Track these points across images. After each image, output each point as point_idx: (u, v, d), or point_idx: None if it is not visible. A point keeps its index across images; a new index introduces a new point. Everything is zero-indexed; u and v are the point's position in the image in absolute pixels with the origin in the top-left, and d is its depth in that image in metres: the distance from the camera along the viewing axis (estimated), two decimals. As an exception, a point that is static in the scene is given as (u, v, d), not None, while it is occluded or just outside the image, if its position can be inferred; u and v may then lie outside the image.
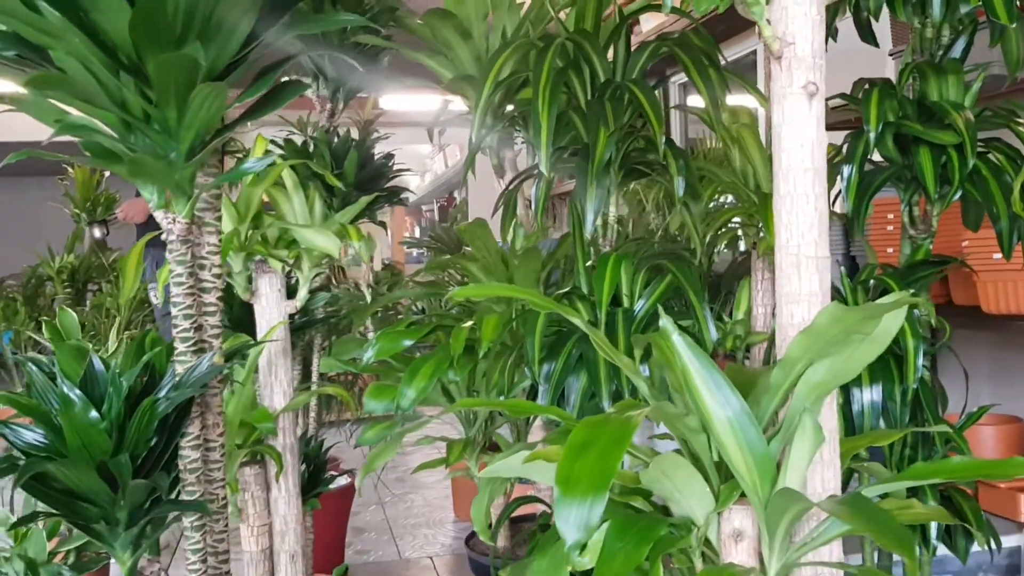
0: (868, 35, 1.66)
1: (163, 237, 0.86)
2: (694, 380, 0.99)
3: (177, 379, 0.84)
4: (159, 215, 0.83)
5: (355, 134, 5.09)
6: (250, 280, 1.51)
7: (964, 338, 3.37)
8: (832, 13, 1.68)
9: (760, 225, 2.06)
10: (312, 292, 2.02)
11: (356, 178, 1.97)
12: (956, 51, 1.65)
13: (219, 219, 0.89)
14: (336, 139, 2.04)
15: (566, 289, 1.61)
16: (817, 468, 1.02)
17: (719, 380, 0.98)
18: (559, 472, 0.80)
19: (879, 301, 0.93)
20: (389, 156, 2.11)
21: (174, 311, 0.83)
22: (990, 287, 2.56)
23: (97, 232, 4.00)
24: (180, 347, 0.85)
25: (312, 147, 1.96)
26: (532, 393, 1.61)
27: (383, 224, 2.21)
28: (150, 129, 0.78)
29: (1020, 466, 0.91)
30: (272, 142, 2.23)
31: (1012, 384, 3.21)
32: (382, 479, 3.66)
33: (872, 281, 1.68)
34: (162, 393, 0.85)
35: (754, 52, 3.47)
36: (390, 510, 3.50)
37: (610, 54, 1.71)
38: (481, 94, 1.56)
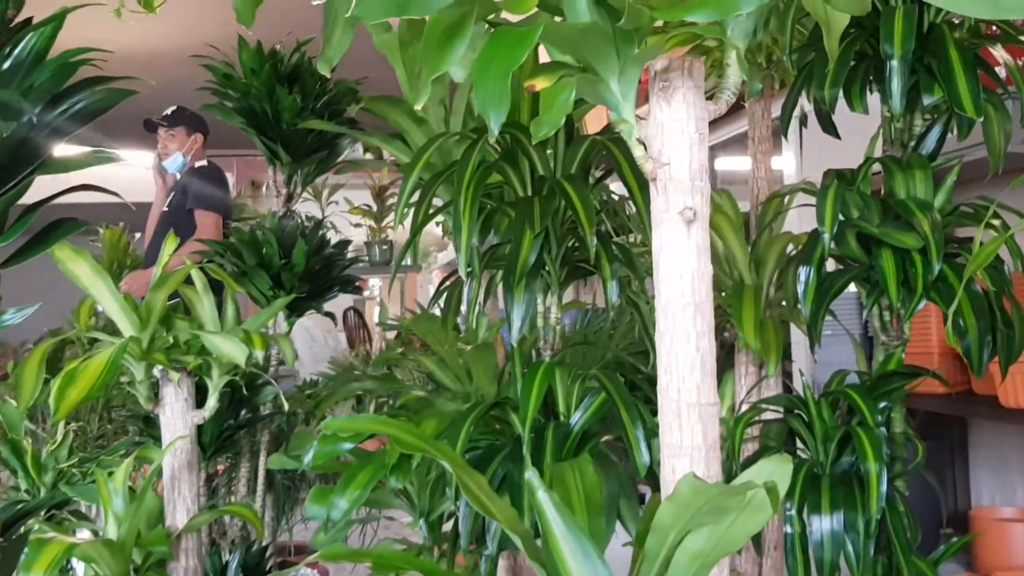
0: (829, 126, 1.53)
1: None
2: (558, 543, 0.86)
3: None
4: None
5: (370, 200, 5.06)
6: (156, 389, 1.43)
7: (988, 430, 3.16)
8: (792, 102, 1.56)
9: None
10: (260, 386, 1.94)
11: (305, 268, 1.89)
12: (931, 140, 1.51)
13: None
14: (290, 224, 1.97)
15: (495, 400, 1.49)
16: (701, 652, 0.87)
17: (587, 547, 0.86)
18: None
19: (734, 482, 0.80)
20: (344, 243, 2.03)
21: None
22: (1008, 381, 2.37)
23: (100, 307, 3.98)
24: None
25: (260, 235, 1.89)
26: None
27: (330, 316, 2.12)
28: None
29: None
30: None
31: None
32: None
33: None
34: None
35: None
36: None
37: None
38: (405, 187, 1.47)
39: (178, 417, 1.41)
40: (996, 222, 1.38)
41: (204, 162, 3.95)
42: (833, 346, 2.93)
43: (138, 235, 5.52)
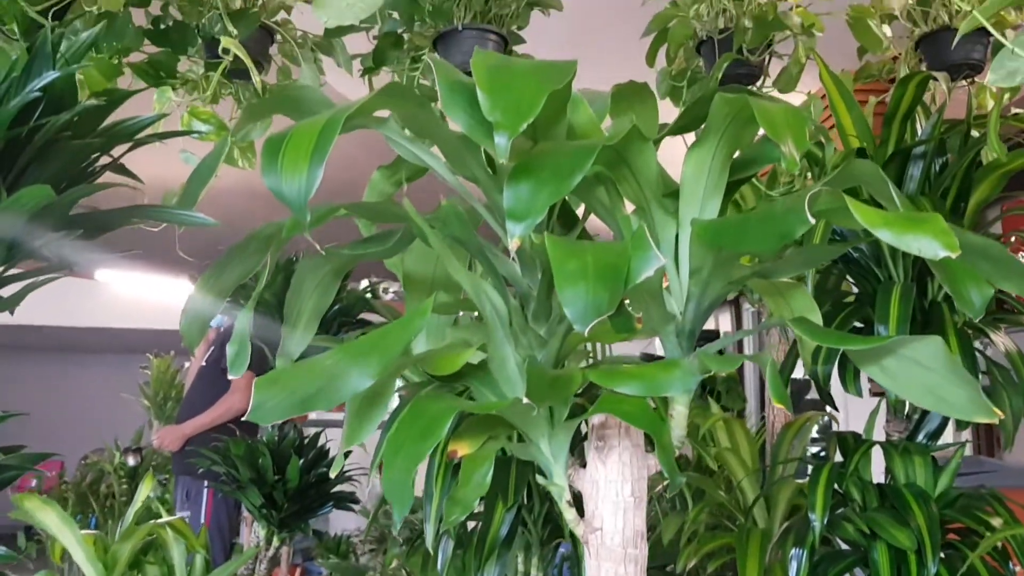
0: (827, 398, 1.48)
1: None
2: None
3: None
4: None
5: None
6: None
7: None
8: (789, 368, 1.52)
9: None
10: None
11: (299, 485, 1.86)
12: (935, 417, 1.45)
13: None
14: (288, 435, 1.96)
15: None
16: None
17: None
18: None
19: None
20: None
21: None
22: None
23: (131, 460, 4.02)
24: None
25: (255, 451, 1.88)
26: None
27: (318, 535, 2.07)
28: None
29: None
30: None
31: None
32: None
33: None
34: None
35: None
36: None
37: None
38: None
39: (134, 671, 1.37)
40: (997, 521, 1.29)
41: (244, 318, 4.01)
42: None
43: (187, 364, 5.60)
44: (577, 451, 0.92)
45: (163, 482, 5.56)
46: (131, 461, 3.98)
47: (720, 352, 0.89)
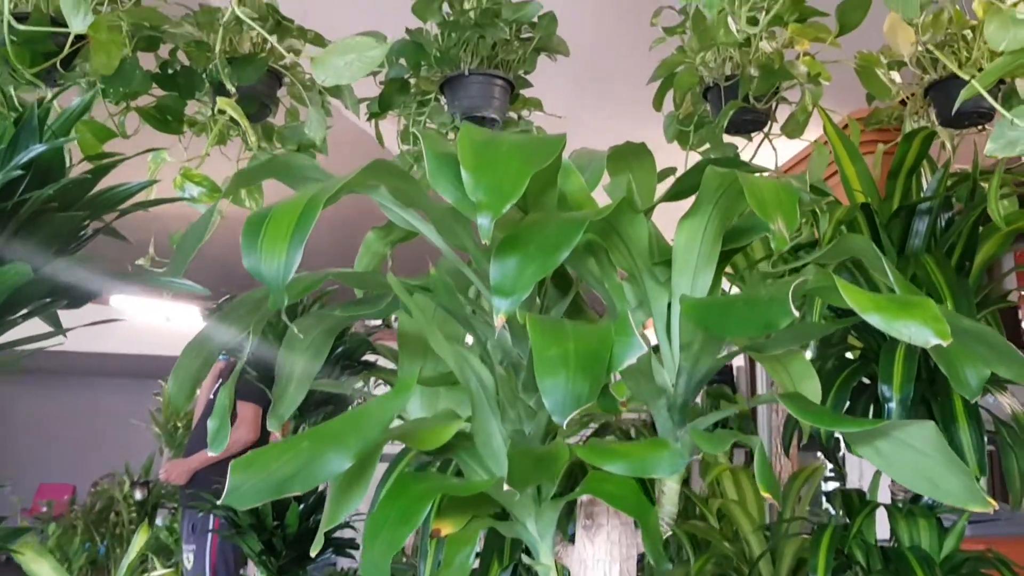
0: (831, 456, 1.45)
1: None
2: None
3: None
4: None
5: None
6: None
7: None
8: (792, 425, 1.50)
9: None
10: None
11: (299, 529, 1.85)
12: (942, 475, 1.42)
13: None
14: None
15: None
16: None
17: None
18: None
19: None
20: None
21: None
22: None
23: (138, 494, 4.00)
24: None
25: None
26: None
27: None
28: None
29: None
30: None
31: None
32: None
33: None
34: None
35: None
36: None
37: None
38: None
39: None
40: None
41: (252, 351, 4.01)
42: None
43: (197, 392, 5.60)
44: (567, 525, 0.91)
45: (173, 511, 5.55)
46: (138, 495, 3.97)
47: (731, 416, 0.87)
